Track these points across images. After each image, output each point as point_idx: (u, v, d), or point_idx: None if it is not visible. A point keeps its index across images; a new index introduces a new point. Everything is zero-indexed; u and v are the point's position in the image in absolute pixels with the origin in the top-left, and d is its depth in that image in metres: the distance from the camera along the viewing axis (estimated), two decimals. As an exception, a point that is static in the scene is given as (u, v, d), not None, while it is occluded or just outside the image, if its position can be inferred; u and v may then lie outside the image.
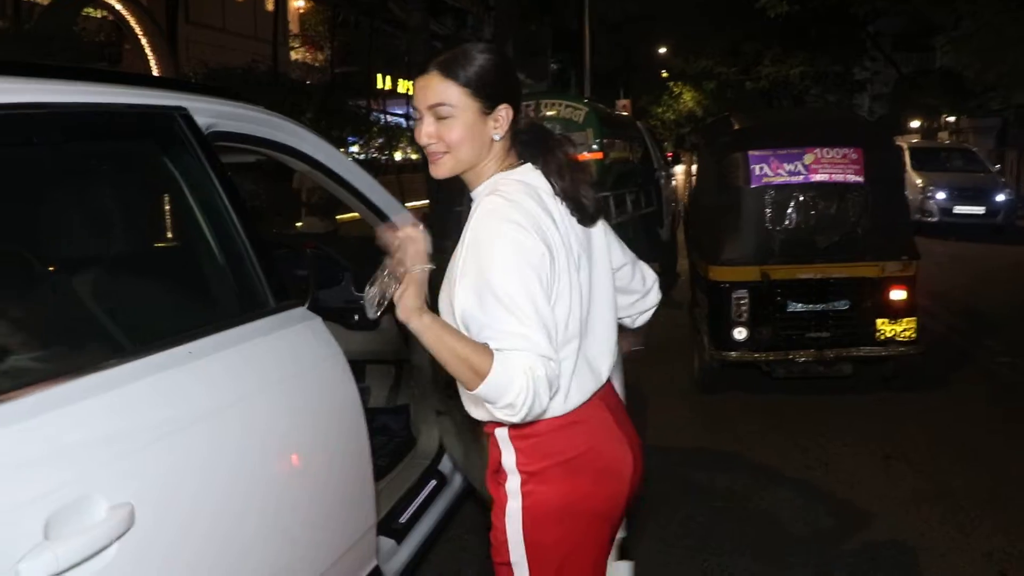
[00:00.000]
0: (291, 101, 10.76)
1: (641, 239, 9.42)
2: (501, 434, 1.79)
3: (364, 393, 2.40)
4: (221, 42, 13.35)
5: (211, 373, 1.79)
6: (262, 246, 2.18)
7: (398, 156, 17.24)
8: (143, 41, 11.64)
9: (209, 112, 2.22)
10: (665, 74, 37.32)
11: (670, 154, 11.38)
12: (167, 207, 2.20)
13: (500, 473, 1.81)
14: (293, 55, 18.68)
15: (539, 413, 1.59)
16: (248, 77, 11.66)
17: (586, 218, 1.81)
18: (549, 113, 8.66)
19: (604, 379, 1.86)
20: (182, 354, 1.73)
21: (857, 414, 5.49)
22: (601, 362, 1.85)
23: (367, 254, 3.65)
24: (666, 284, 10.04)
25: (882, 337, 5.58)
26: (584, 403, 1.78)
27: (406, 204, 3.36)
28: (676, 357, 6.61)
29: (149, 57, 11.62)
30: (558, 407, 1.73)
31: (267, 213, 6.28)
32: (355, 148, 17.15)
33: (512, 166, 1.79)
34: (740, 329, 5.55)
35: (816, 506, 4.10)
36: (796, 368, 5.69)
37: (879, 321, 5.58)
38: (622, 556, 2.53)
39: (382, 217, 3.07)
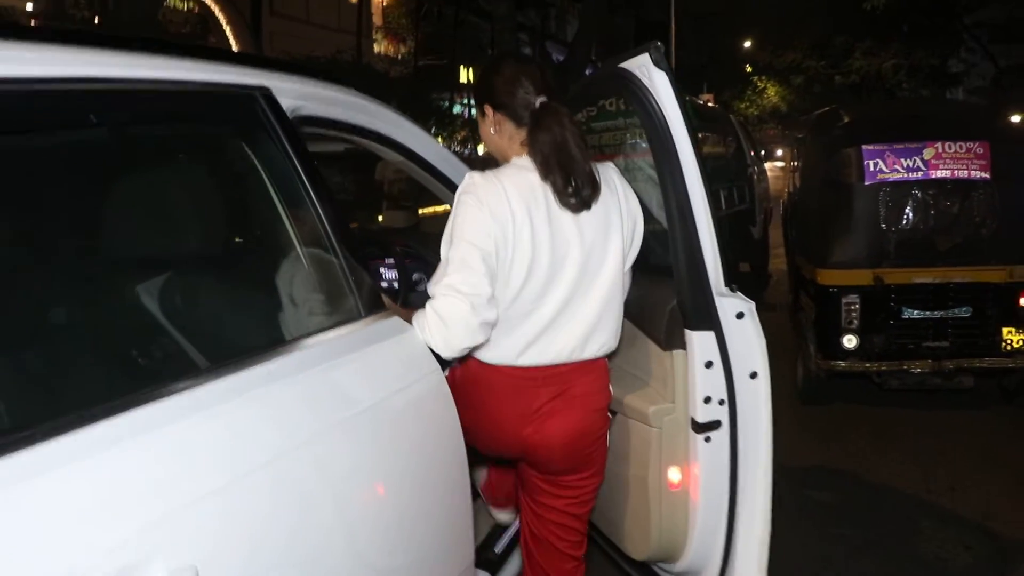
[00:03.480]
0: (374, 92, 10.63)
1: (734, 238, 9.00)
2: None
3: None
4: (305, 34, 13.30)
5: (292, 399, 1.54)
6: (352, 247, 1.93)
7: (481, 149, 16.98)
8: (227, 31, 11.66)
9: (295, 93, 1.99)
10: (749, 68, 36.35)
11: (753, 151, 10.85)
12: (244, 202, 1.96)
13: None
14: (376, 48, 18.61)
15: (450, 344, 1.93)
16: (332, 67, 11.57)
17: (566, 202, 1.98)
18: (639, 105, 8.25)
19: (557, 359, 2.05)
20: (259, 376, 1.49)
21: (980, 432, 5.04)
22: (560, 345, 2.05)
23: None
24: (758, 285, 9.75)
25: (1008, 348, 5.11)
26: (507, 367, 2.05)
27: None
28: (773, 365, 6.18)
29: (233, 48, 11.60)
30: (481, 353, 2.06)
31: (351, 207, 6.07)
32: (439, 141, 16.93)
33: (521, 154, 2.06)
34: (850, 337, 5.14)
35: (949, 536, 3.71)
36: (911, 380, 5.26)
37: (1005, 330, 5.11)
38: None
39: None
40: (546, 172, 1.98)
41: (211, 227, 1.86)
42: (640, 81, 2.13)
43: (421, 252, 3.43)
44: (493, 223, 1.91)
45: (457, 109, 18.65)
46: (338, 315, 1.89)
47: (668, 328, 2.26)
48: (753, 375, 2.17)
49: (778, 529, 2.27)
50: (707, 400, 2.17)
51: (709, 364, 2.16)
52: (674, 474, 2.31)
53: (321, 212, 1.87)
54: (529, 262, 1.95)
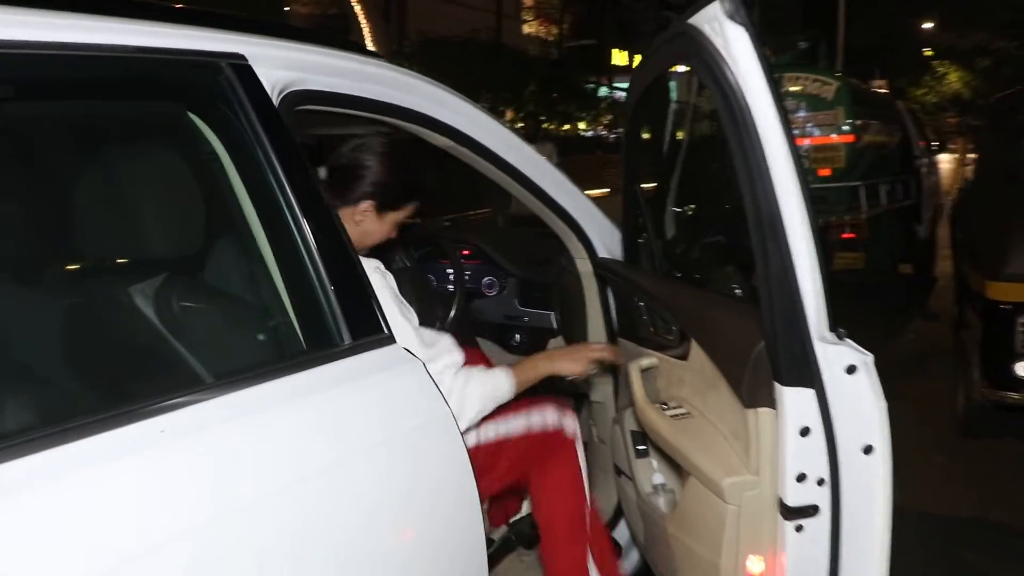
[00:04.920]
0: (512, 73, 10.28)
1: (896, 236, 8.19)
2: None
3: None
4: (451, 14, 13.09)
5: (228, 448, 1.17)
6: (345, 257, 1.53)
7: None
8: (356, 9, 11.58)
9: (289, 63, 1.60)
10: (928, 52, 33.87)
11: (923, 142, 9.77)
12: (194, 199, 1.57)
13: None
14: (526, 28, 18.28)
15: None
16: (467, 46, 11.28)
17: None
18: (793, 88, 7.52)
19: None
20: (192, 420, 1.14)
21: None
22: None
23: (540, 253, 2.96)
24: (921, 290, 8.81)
25: None
26: None
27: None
28: (930, 386, 5.45)
29: (363, 24, 11.48)
30: None
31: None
32: (582, 124, 16.69)
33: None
34: (1026, 364, 4.34)
35: None
36: (1102, 421, 4.41)
37: None
38: None
39: (550, 204, 2.38)
40: None
41: (147, 229, 1.48)
42: (709, 41, 1.58)
43: (492, 253, 3.01)
44: None
45: (603, 92, 18.05)
46: (308, 345, 1.50)
47: (752, 379, 1.71)
48: (867, 450, 1.62)
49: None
50: (801, 478, 1.63)
51: (805, 431, 1.61)
52: (755, 565, 1.78)
53: (299, 213, 1.48)
54: None
